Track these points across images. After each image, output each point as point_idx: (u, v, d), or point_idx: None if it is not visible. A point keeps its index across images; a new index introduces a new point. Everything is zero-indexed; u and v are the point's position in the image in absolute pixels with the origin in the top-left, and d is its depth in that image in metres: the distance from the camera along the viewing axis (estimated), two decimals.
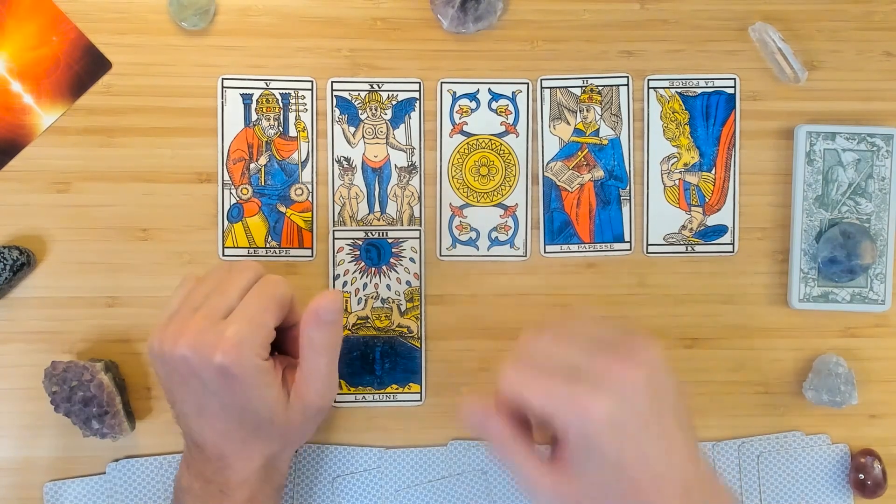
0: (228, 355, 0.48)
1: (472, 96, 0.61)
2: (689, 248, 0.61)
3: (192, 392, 0.50)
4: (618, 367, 0.46)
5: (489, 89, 0.61)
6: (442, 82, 0.60)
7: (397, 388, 0.61)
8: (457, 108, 0.61)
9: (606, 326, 0.49)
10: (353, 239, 0.60)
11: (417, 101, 0.60)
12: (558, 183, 0.61)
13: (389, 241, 0.60)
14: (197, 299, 0.50)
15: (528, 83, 0.61)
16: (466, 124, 0.61)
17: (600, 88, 0.61)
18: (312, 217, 0.60)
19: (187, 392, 0.51)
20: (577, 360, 0.46)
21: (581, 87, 0.61)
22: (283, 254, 0.60)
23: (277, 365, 0.52)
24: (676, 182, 0.61)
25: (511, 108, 0.61)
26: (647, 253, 0.61)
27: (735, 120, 0.61)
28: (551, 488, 0.47)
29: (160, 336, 0.50)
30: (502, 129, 0.61)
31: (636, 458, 0.46)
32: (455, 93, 0.60)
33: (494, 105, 0.61)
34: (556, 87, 0.61)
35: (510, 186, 0.61)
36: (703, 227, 0.61)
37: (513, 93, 0.61)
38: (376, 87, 0.60)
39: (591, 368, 0.46)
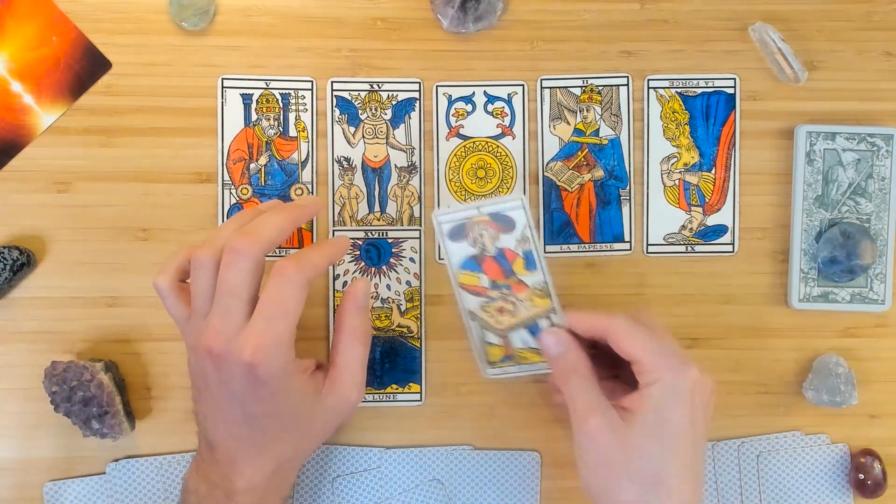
0: (256, 356, 0.48)
1: (468, 99, 0.61)
2: (689, 248, 0.61)
3: (215, 394, 0.50)
4: (700, 375, 0.51)
5: (484, 91, 0.61)
6: (437, 86, 0.60)
7: (397, 388, 0.61)
8: (452, 111, 0.61)
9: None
10: (353, 239, 0.60)
11: (417, 101, 0.60)
12: (558, 183, 0.61)
13: (389, 241, 0.60)
14: (222, 290, 0.49)
15: (523, 84, 0.61)
16: (463, 127, 0.61)
17: (600, 88, 0.61)
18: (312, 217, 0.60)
19: (211, 393, 0.51)
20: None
21: (581, 87, 0.61)
22: (283, 254, 0.60)
23: (304, 364, 0.52)
24: (676, 182, 0.61)
25: (507, 110, 0.61)
26: (647, 253, 0.61)
27: (735, 120, 0.61)
28: (594, 429, 0.51)
29: (196, 332, 0.50)
30: (498, 131, 0.61)
31: (680, 449, 0.51)
32: (450, 96, 0.60)
33: (490, 107, 0.61)
34: (556, 87, 0.61)
35: (507, 188, 0.61)
36: (703, 227, 0.61)
37: (508, 95, 0.61)
38: (376, 87, 0.60)
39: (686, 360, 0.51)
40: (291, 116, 0.60)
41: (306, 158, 0.60)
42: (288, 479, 0.54)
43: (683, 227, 0.61)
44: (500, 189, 0.61)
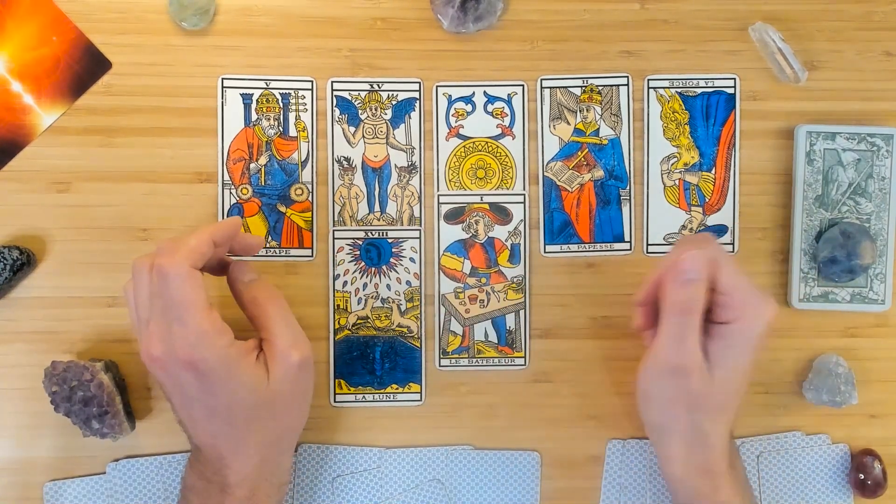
0: (190, 353, 0.48)
1: (468, 99, 0.61)
2: None
3: (178, 400, 0.51)
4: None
5: (484, 92, 0.61)
6: (437, 85, 0.60)
7: (397, 388, 0.61)
8: (452, 111, 0.61)
9: None
10: (353, 239, 0.60)
11: (417, 101, 0.60)
12: (558, 183, 0.61)
13: (389, 241, 0.60)
14: (144, 311, 0.50)
15: (523, 84, 0.61)
16: (462, 127, 0.61)
17: (600, 88, 0.61)
18: (312, 217, 0.60)
19: (175, 400, 0.51)
20: None
21: (581, 87, 0.61)
22: (282, 254, 0.60)
23: (247, 346, 0.51)
24: (676, 182, 0.61)
25: (507, 110, 0.61)
26: (647, 253, 0.61)
27: (735, 120, 0.61)
28: (694, 367, 0.51)
29: (143, 341, 0.50)
30: (498, 131, 0.61)
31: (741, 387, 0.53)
32: (451, 96, 0.60)
33: (490, 108, 0.61)
34: (556, 87, 0.61)
35: (507, 189, 0.61)
36: (703, 227, 0.61)
37: (508, 95, 0.61)
38: (376, 87, 0.60)
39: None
40: (291, 116, 0.60)
41: (306, 158, 0.60)
42: (281, 464, 0.54)
43: (683, 226, 0.61)
44: (500, 189, 0.61)
